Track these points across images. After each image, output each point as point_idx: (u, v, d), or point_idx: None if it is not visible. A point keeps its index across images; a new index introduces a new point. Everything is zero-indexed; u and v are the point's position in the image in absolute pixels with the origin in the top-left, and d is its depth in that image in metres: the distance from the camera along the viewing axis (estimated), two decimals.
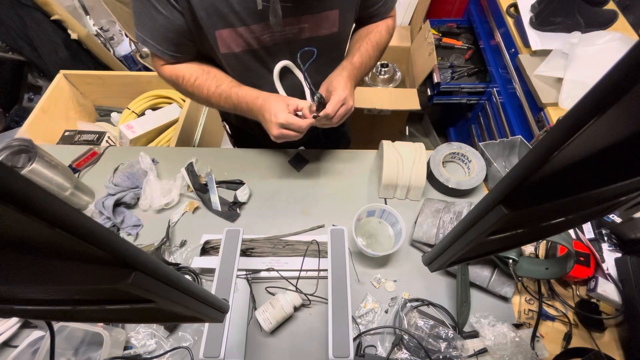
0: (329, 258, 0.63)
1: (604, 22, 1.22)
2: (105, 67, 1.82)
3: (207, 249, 0.77)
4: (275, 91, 0.78)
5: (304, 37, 0.72)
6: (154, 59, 0.75)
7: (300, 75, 0.77)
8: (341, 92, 0.69)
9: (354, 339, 0.68)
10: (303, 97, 0.80)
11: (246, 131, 1.01)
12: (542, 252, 0.79)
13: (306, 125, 0.68)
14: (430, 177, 0.89)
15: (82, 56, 1.72)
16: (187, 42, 0.71)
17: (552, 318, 0.72)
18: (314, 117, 0.69)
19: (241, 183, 0.89)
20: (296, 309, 0.71)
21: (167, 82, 0.77)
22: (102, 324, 0.66)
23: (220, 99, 0.74)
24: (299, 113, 0.70)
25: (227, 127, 1.09)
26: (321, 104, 0.68)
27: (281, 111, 0.68)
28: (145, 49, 1.90)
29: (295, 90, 0.80)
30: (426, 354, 0.65)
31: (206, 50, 0.74)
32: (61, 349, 0.65)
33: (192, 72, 0.74)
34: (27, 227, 0.16)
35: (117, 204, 0.84)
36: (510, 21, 1.35)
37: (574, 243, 0.68)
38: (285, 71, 0.77)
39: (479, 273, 0.73)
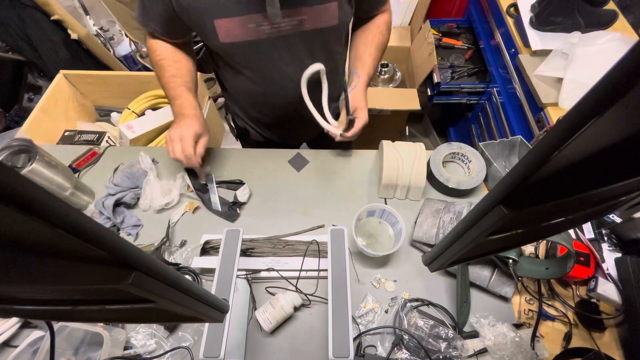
0: (329, 258, 0.63)
1: (604, 22, 1.22)
2: (105, 67, 1.82)
3: (207, 249, 0.77)
4: (282, 78, 0.80)
5: (304, 30, 0.71)
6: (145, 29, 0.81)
7: (325, 85, 0.76)
8: (364, 115, 0.81)
9: (354, 339, 0.68)
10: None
11: (250, 126, 1.01)
12: (542, 252, 0.79)
13: (176, 156, 0.76)
14: (430, 177, 0.89)
15: (82, 56, 1.72)
16: (176, 26, 0.75)
17: (552, 318, 0.72)
18: (341, 135, 0.79)
19: (241, 183, 0.89)
20: (296, 309, 0.71)
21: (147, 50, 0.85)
22: (102, 324, 0.66)
23: (168, 85, 0.80)
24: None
25: (231, 120, 1.07)
26: (350, 122, 0.78)
27: (181, 132, 0.76)
28: (145, 49, 1.90)
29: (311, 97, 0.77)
30: (426, 354, 0.65)
31: (204, 39, 0.76)
32: (61, 349, 0.65)
33: (164, 51, 0.81)
34: (27, 227, 0.16)
35: (117, 204, 0.84)
36: (510, 21, 1.35)
37: (574, 243, 0.68)
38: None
39: (479, 273, 0.73)
